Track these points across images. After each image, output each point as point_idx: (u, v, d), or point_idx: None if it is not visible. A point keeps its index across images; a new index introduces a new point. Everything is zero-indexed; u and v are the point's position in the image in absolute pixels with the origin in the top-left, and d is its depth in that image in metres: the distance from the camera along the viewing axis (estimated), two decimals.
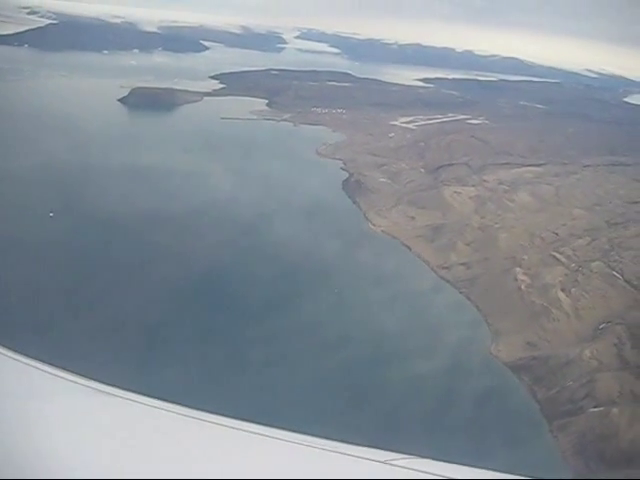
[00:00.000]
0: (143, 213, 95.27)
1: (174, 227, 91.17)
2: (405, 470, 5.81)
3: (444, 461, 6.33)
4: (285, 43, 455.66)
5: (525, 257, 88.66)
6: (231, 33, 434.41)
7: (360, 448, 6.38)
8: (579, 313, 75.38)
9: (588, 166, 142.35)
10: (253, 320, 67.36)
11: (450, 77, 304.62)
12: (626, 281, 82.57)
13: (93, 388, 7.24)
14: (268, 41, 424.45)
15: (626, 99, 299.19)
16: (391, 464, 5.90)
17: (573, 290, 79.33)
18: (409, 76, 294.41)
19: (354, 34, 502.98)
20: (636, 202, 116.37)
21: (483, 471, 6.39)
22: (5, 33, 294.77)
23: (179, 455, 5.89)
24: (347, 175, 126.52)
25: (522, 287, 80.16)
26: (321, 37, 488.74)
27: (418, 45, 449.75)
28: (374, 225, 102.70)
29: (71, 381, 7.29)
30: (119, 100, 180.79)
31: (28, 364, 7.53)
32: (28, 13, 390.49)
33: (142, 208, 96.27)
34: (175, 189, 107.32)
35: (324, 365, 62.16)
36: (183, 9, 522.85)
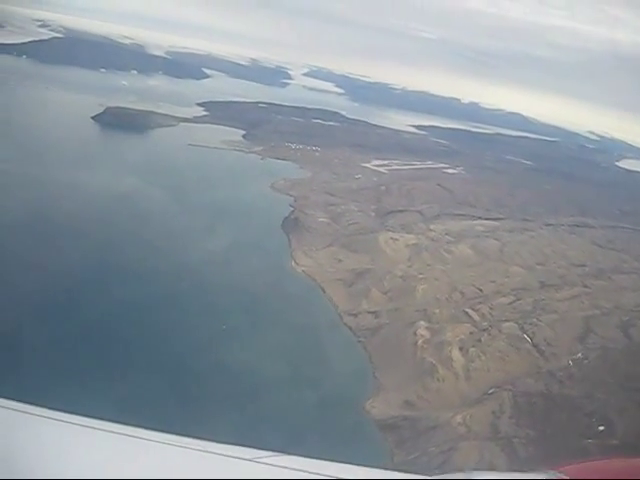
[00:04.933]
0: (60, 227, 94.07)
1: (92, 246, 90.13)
2: (272, 467, 5.76)
3: (310, 457, 6.23)
4: (291, 79, 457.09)
5: (437, 311, 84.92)
6: (237, 64, 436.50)
7: (226, 446, 6.24)
8: (470, 375, 71.46)
9: (550, 225, 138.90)
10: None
11: (445, 126, 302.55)
12: (534, 345, 78.68)
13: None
14: (274, 75, 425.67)
15: (618, 163, 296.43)
16: (258, 461, 5.85)
17: (471, 350, 75.38)
18: (403, 121, 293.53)
19: (364, 76, 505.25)
20: (581, 265, 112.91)
21: (349, 466, 6.31)
22: (8, 42, 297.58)
23: None
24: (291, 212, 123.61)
25: (419, 342, 76.29)
26: (328, 76, 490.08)
27: (424, 93, 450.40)
28: (297, 264, 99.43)
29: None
30: (92, 118, 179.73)
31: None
32: (39, 26, 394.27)
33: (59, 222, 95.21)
34: (103, 209, 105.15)
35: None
36: (197, 37, 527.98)
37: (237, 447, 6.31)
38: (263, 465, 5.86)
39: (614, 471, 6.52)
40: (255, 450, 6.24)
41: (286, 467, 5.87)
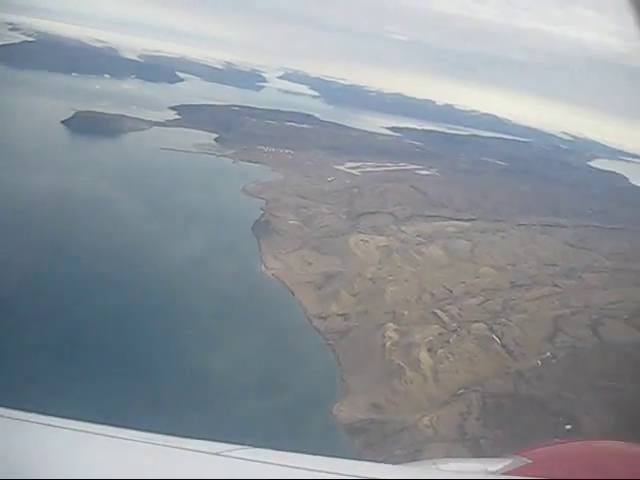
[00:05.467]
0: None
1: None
2: (240, 460, 5.69)
3: (279, 450, 6.13)
4: (266, 82, 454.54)
5: (406, 313, 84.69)
6: (212, 67, 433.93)
7: (193, 441, 6.13)
8: (438, 376, 71.33)
9: (522, 225, 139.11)
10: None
11: (420, 128, 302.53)
12: (503, 346, 78.69)
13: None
14: (248, 79, 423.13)
15: (590, 163, 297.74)
16: (227, 455, 5.74)
17: (440, 351, 75.26)
18: (378, 123, 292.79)
19: (340, 79, 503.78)
20: (553, 265, 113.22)
21: (317, 457, 6.13)
22: None
23: None
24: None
25: (387, 344, 76.06)
26: (304, 79, 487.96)
27: (399, 95, 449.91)
28: (266, 267, 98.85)
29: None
30: (62, 122, 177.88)
31: None
32: (10, 29, 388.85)
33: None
34: (69, 213, 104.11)
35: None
36: (171, 40, 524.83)
37: (205, 441, 6.18)
38: (232, 459, 5.74)
39: (577, 453, 6.61)
40: (223, 444, 6.06)
41: (256, 460, 5.78)
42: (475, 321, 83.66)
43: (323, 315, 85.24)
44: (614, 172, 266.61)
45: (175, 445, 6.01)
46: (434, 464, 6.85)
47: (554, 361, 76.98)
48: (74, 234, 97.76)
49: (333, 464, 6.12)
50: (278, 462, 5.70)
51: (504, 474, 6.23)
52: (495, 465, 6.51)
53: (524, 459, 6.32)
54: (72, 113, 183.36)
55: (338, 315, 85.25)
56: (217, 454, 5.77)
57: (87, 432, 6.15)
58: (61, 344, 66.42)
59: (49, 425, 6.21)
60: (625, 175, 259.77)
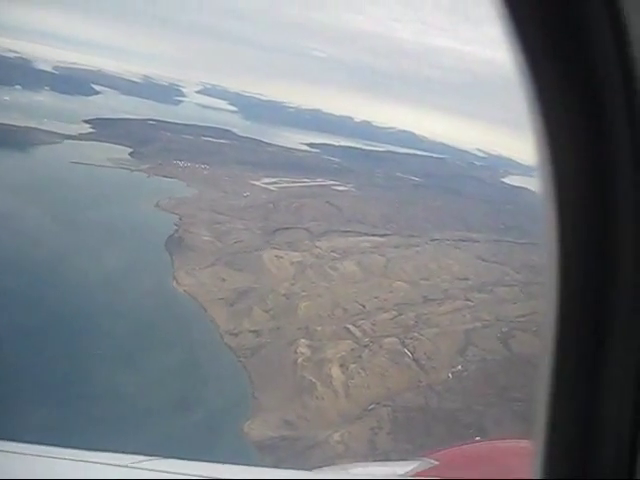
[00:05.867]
0: None
1: None
2: (150, 472, 5.55)
3: (190, 459, 6.19)
4: (184, 96, 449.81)
5: (318, 328, 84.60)
6: (130, 81, 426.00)
7: (102, 454, 6.06)
8: (350, 392, 71.34)
9: (435, 240, 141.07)
10: None
11: (337, 144, 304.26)
12: (414, 360, 79.37)
13: None
14: (167, 93, 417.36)
15: (504, 179, 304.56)
16: (136, 467, 5.62)
17: (352, 367, 75.46)
18: (296, 139, 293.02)
19: (258, 94, 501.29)
20: (465, 279, 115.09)
21: (227, 466, 6.24)
22: None
23: None
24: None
25: (299, 360, 75.84)
26: (222, 94, 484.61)
27: (318, 111, 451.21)
28: (178, 284, 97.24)
29: None
30: None
31: None
32: None
33: None
34: None
35: None
36: (88, 52, 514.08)
37: (113, 454, 6.17)
38: (141, 470, 5.66)
39: (482, 454, 6.80)
40: (132, 455, 6.06)
41: (165, 471, 5.76)
42: (387, 336, 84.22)
43: (235, 332, 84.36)
44: (526, 188, 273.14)
45: (82, 459, 5.89)
46: (343, 469, 7.18)
47: (465, 374, 78.21)
48: None
49: (243, 471, 6.31)
50: (187, 472, 5.75)
51: (411, 476, 6.30)
52: (403, 468, 6.65)
53: (431, 461, 6.42)
54: None
55: (250, 331, 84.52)
56: (126, 466, 5.71)
57: None
58: None
59: None
60: (537, 191, 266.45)
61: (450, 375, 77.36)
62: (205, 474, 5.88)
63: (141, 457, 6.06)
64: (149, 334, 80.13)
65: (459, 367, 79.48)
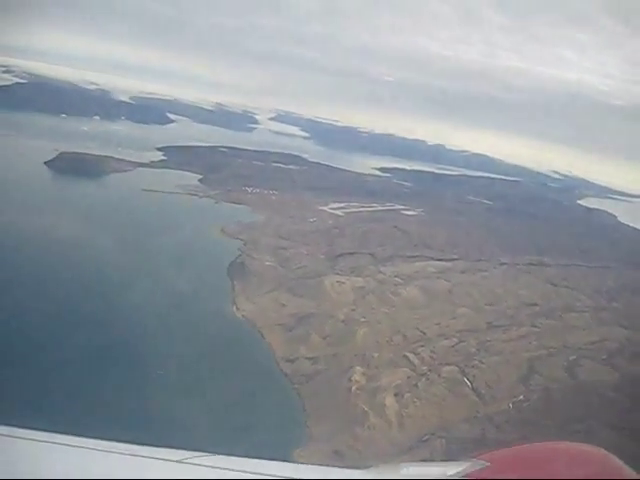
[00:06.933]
0: None
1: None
2: (200, 467, 5.81)
3: (237, 456, 6.26)
4: (257, 123, 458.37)
5: (375, 355, 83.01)
6: (204, 109, 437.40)
7: (153, 449, 6.23)
8: (403, 421, 69.43)
9: (504, 264, 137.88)
10: None
11: (410, 168, 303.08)
12: (473, 389, 76.98)
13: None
14: (240, 120, 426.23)
15: (580, 201, 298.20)
16: (186, 462, 5.89)
17: (407, 395, 73.54)
18: (367, 164, 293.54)
19: (333, 120, 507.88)
20: (533, 304, 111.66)
21: (277, 463, 6.36)
22: None
23: None
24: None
25: (353, 388, 74.21)
26: (296, 121, 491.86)
27: (391, 135, 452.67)
28: (238, 309, 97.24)
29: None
30: (45, 163, 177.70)
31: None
32: (3, 72, 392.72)
33: None
34: (42, 254, 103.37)
35: None
36: (164, 82, 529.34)
37: (164, 449, 6.27)
38: (191, 465, 5.85)
39: (534, 456, 6.62)
40: (182, 451, 6.19)
41: (214, 467, 5.88)
42: (447, 364, 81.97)
43: (291, 358, 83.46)
44: (603, 210, 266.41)
45: (137, 454, 6.03)
46: (394, 468, 6.91)
47: (526, 404, 75.26)
48: (55, 272, 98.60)
49: (296, 470, 6.37)
50: (237, 468, 5.83)
51: (462, 477, 6.25)
52: (454, 468, 6.49)
53: (482, 462, 6.38)
54: (56, 154, 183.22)
55: (307, 358, 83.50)
56: (179, 462, 5.88)
57: (51, 442, 6.13)
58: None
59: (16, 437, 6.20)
60: (613, 213, 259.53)
61: (510, 405, 74.47)
62: (256, 470, 5.98)
63: (193, 453, 6.20)
64: (207, 359, 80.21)
65: (520, 397, 76.50)
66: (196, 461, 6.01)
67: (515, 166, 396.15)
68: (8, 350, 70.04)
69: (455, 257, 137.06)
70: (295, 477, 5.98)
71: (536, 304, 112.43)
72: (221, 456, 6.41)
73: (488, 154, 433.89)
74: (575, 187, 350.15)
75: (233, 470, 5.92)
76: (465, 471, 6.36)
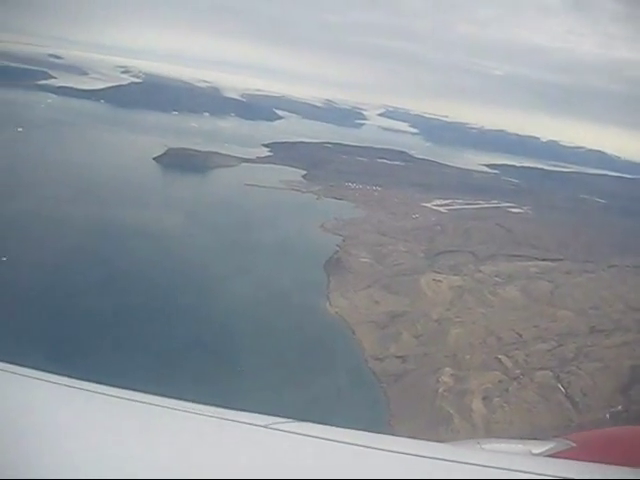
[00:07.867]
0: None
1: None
2: (287, 434, 5.67)
3: (325, 424, 6.12)
4: (365, 119, 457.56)
5: (467, 357, 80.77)
6: (312, 105, 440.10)
7: (239, 413, 6.17)
8: (490, 427, 67.03)
9: (614, 266, 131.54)
10: None
11: (520, 165, 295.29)
12: (567, 396, 73.52)
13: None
14: (348, 116, 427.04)
15: None
16: (272, 428, 5.79)
17: (496, 400, 71.00)
18: (475, 161, 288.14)
19: (442, 116, 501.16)
20: None
21: (365, 433, 6.11)
22: (89, 88, 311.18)
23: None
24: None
25: (440, 390, 72.37)
26: (404, 116, 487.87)
27: (502, 131, 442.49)
28: (331, 306, 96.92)
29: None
30: (154, 158, 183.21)
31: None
32: (122, 72, 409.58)
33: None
34: (140, 247, 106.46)
35: None
36: (274, 79, 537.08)
37: (251, 414, 6.21)
38: (278, 431, 5.73)
39: (623, 438, 6.64)
40: (269, 417, 6.09)
41: (301, 434, 5.70)
42: (541, 368, 78.75)
43: (380, 356, 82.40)
44: None
45: (219, 416, 6.06)
46: (478, 443, 6.88)
47: (624, 415, 71.23)
48: (158, 265, 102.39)
49: (378, 440, 6.11)
50: (325, 436, 5.66)
51: (548, 456, 6.20)
52: (539, 447, 6.46)
53: (568, 442, 6.36)
54: (164, 150, 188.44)
55: (396, 357, 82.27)
56: (264, 427, 5.82)
57: (142, 402, 6.23)
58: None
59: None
60: None
61: (607, 416, 70.66)
62: (343, 439, 5.67)
63: (280, 419, 6.06)
64: (295, 353, 79.98)
65: (619, 407, 72.43)
66: (284, 427, 5.85)
67: (634, 163, 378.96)
68: (115, 341, 72.69)
69: (560, 257, 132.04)
70: (383, 448, 5.46)
71: None
72: (309, 423, 6.19)
73: (605, 150, 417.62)
74: None
75: (324, 439, 5.58)
76: (551, 450, 6.30)
